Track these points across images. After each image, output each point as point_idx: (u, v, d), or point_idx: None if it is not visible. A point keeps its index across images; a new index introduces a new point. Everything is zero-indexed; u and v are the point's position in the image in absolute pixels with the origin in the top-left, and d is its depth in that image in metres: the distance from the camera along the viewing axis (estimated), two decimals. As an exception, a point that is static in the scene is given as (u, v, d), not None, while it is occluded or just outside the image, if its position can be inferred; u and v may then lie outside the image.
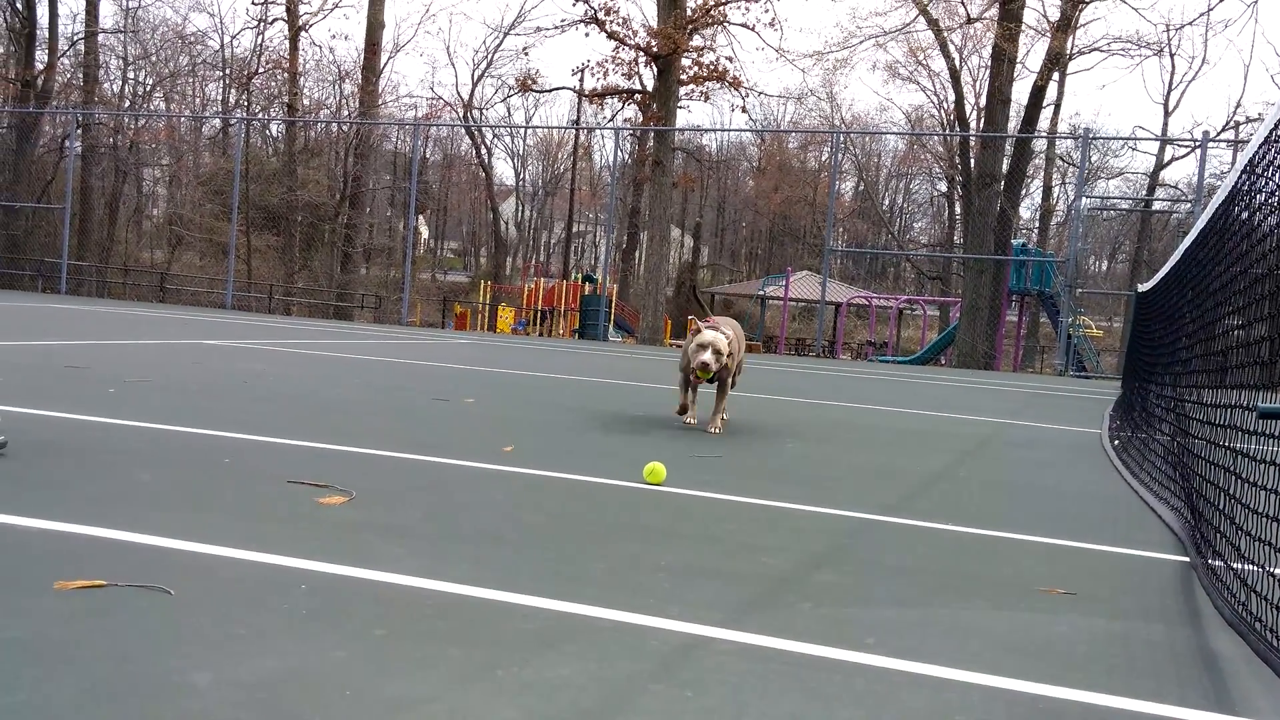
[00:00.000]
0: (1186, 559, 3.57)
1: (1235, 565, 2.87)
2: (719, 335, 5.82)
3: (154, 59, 42.77)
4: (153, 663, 1.93)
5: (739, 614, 2.51)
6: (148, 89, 44.44)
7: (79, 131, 33.70)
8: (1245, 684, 2.31)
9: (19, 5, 35.71)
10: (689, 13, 28.42)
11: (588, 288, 28.73)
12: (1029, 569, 3.29)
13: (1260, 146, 3.93)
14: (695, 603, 2.60)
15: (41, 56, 36.10)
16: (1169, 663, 2.42)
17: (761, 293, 42.08)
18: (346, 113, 43.65)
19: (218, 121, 44.41)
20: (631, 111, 35.74)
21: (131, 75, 44.27)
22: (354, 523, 3.19)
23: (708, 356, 5.71)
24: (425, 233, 65.76)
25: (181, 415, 5.25)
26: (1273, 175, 3.62)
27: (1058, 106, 40.45)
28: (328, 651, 2.06)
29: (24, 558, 2.56)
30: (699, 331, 5.85)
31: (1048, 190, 45.11)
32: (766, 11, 55.46)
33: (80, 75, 38.22)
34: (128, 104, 42.95)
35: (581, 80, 38.45)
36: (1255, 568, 2.68)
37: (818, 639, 2.38)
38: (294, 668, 1.96)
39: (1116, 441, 7.27)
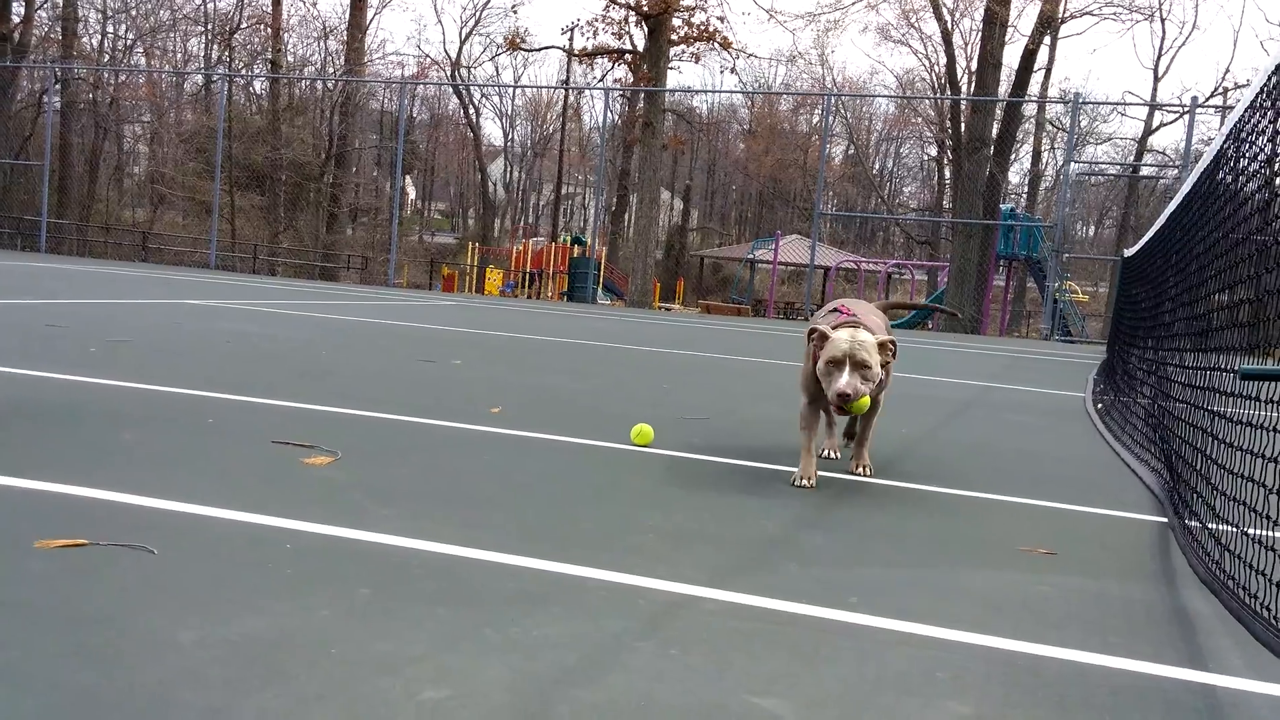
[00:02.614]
0: (1165, 520, 3.61)
1: (1211, 525, 2.90)
2: (859, 341, 3.52)
3: (134, 12, 42.18)
4: (136, 621, 1.93)
5: (726, 574, 2.53)
6: (128, 44, 43.88)
7: (57, 87, 33.28)
8: (1218, 642, 2.34)
9: (-5, -43, 35.11)
10: (679, -29, 28.13)
11: (576, 250, 28.63)
12: (1011, 530, 3.32)
13: (1245, 112, 3.92)
14: (682, 563, 2.62)
15: (18, 9, 35.54)
16: (1145, 621, 2.45)
17: (751, 256, 42.01)
18: (332, 70, 43.20)
19: (200, 78, 43.91)
20: (622, 72, 35.49)
21: (111, 29, 43.70)
22: (340, 483, 3.20)
23: (847, 382, 3.44)
24: (412, 193, 65.34)
25: (164, 375, 5.23)
26: (1258, 141, 3.62)
27: (1048, 71, 40.33)
28: (313, 611, 2.06)
29: (4, 516, 2.56)
30: (826, 339, 3.59)
31: (1037, 155, 45.06)
32: (757, -29, 54.91)
33: (58, 29, 37.68)
34: (107, 59, 42.40)
35: (571, 39, 38.12)
36: (1230, 528, 2.71)
37: (804, 599, 2.40)
38: (279, 627, 1.96)
39: (1100, 405, 7.32)
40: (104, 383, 4.85)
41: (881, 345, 3.59)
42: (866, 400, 3.55)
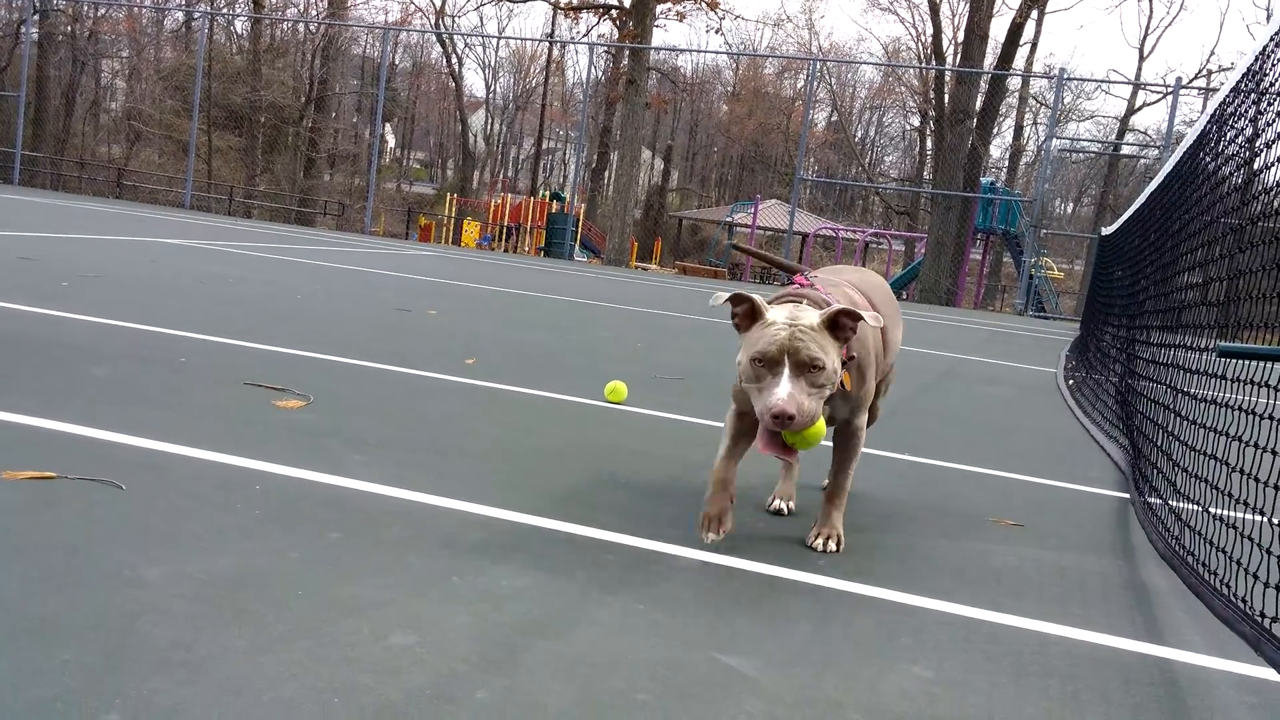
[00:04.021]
0: (1128, 495, 3.66)
1: (1172, 502, 2.94)
2: (803, 327, 2.27)
3: (115, -55, 41.24)
4: (102, 555, 1.92)
5: (695, 533, 2.54)
6: (108, -24, 42.92)
7: (35, 17, 32.57)
8: (1177, 617, 2.38)
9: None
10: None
11: (555, 206, 28.45)
12: (981, 500, 3.35)
13: (1229, 94, 3.94)
14: (654, 520, 2.63)
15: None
16: (1105, 594, 2.48)
17: (729, 219, 41.92)
18: (315, 13, 42.49)
19: (180, 14, 43.06)
20: (607, 28, 35.13)
21: (91, -39, 42.69)
22: (312, 427, 3.18)
23: (787, 396, 2.19)
24: (391, 141, 64.64)
25: (137, 312, 5.17)
26: (1239, 124, 3.64)
27: (1034, 45, 40.24)
28: (282, 552, 2.06)
29: (-26, 447, 2.53)
30: (755, 316, 2.37)
31: (1019, 130, 45.08)
32: (748, -69, 54.36)
33: (37, -42, 36.78)
34: (87, -9, 41.48)
35: (557, -8, 37.60)
36: (1191, 505, 2.75)
37: (773, 560, 2.41)
38: (247, 566, 1.96)
39: (1071, 381, 7.38)
40: (76, 317, 4.79)
41: (834, 320, 2.30)
42: (821, 428, 2.28)
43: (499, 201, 30.68)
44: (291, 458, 2.77)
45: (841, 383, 2.43)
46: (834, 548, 2.54)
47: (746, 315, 2.37)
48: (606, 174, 44.73)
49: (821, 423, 2.29)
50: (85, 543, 1.98)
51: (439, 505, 2.52)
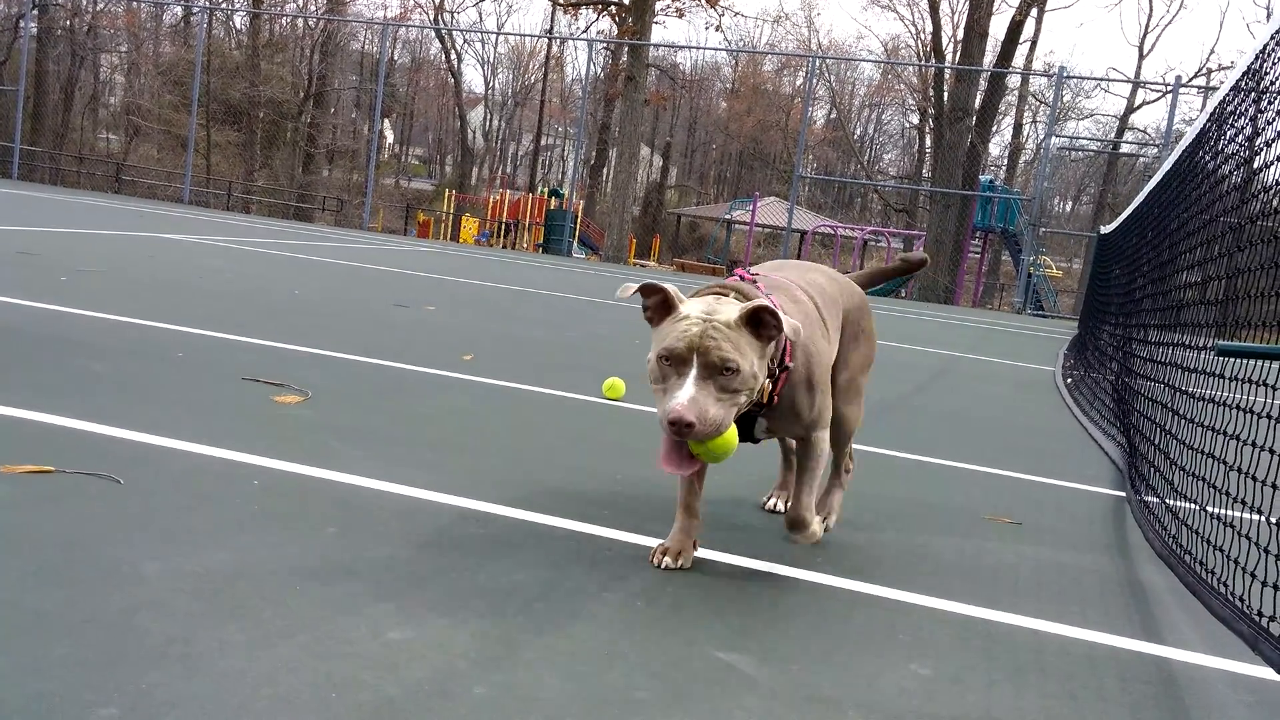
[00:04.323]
0: (1125, 494, 3.66)
1: (1169, 500, 2.95)
2: (718, 323, 2.01)
3: (114, -61, 41.15)
4: (101, 549, 1.92)
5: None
6: (107, -29, 42.83)
7: (34, 11, 32.51)
8: (1174, 615, 2.38)
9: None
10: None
11: (553, 202, 28.43)
12: (978, 498, 3.35)
13: (1229, 93, 3.94)
14: (650, 516, 2.63)
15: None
16: (1102, 592, 2.48)
17: (728, 216, 41.90)
18: (314, 8, 42.43)
19: (179, 9, 43.00)
20: (606, 24, 35.10)
21: (90, -45, 42.60)
22: (310, 422, 3.18)
23: (688, 401, 1.94)
24: (390, 137, 64.54)
25: (135, 307, 5.17)
26: (1239, 123, 3.64)
27: (1034, 43, 40.24)
28: (280, 548, 2.06)
29: (-29, 442, 2.53)
30: (667, 308, 2.12)
31: (1018, 128, 45.08)
32: (748, -73, 54.29)
33: (36, -48, 36.71)
34: (85, -15, 41.39)
35: (556, -12, 37.54)
36: (1188, 503, 2.75)
37: (769, 557, 2.41)
38: (245, 562, 1.96)
39: (1069, 379, 7.39)
40: (74, 312, 4.79)
41: (754, 316, 2.03)
42: (731, 439, 2.04)
43: (497, 198, 30.66)
44: (290, 453, 2.77)
45: (791, 400, 2.22)
46: (818, 535, 2.38)
47: (659, 308, 2.11)
48: (605, 170, 44.71)
49: (732, 433, 2.05)
50: (83, 537, 1.98)
51: (437, 500, 2.52)
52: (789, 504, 2.44)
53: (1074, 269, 40.67)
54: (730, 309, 2.05)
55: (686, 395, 1.93)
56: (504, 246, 27.66)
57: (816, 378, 2.29)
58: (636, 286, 2.11)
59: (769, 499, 2.87)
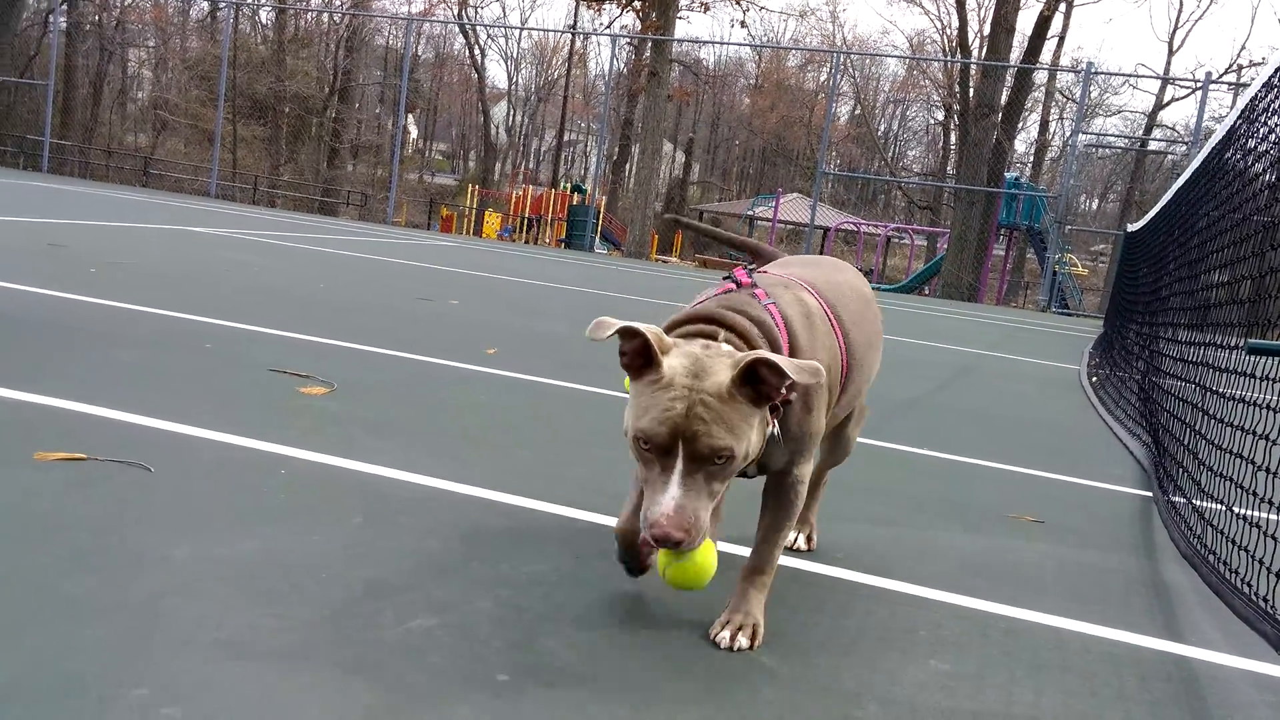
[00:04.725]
0: (1150, 494, 3.64)
1: (1195, 501, 2.93)
2: (707, 390, 1.64)
3: (142, -65, 41.46)
4: (132, 535, 1.95)
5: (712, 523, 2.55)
6: (135, -34, 43.16)
7: (63, 7, 32.81)
8: (1197, 615, 2.38)
9: None
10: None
11: (576, 198, 28.47)
12: (1001, 496, 3.35)
13: (1260, 89, 3.90)
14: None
15: (26, -75, 34.91)
16: (1125, 591, 2.48)
17: (750, 213, 41.83)
18: (339, 3, 42.62)
19: (206, 4, 43.30)
20: (629, 19, 35.08)
21: (118, -49, 42.94)
22: (335, 414, 3.21)
23: (672, 511, 1.60)
24: (414, 132, 64.78)
25: (163, 299, 5.22)
26: (1270, 120, 3.61)
27: (1062, 39, 39.94)
28: (305, 535, 2.08)
29: (6, 429, 2.57)
30: (658, 372, 1.68)
31: (1045, 124, 44.77)
32: (773, -77, 54.12)
33: (65, -53, 37.03)
34: (114, -20, 41.73)
35: (581, -17, 37.58)
36: (1215, 504, 2.74)
37: (791, 552, 2.42)
38: (272, 549, 1.98)
39: (1094, 378, 7.35)
40: (103, 303, 4.84)
41: (750, 374, 1.66)
42: (709, 560, 1.83)
43: (520, 193, 30.72)
44: (316, 443, 2.80)
45: (783, 430, 1.85)
46: (745, 643, 1.80)
47: (638, 354, 1.71)
48: (628, 166, 44.72)
49: (711, 556, 1.82)
50: (114, 523, 2.01)
51: (460, 492, 2.54)
52: (755, 547, 1.95)
53: (1099, 267, 40.39)
54: (721, 367, 1.65)
55: (672, 501, 1.59)
56: (526, 242, 27.72)
57: (814, 400, 1.89)
58: (615, 329, 1.69)
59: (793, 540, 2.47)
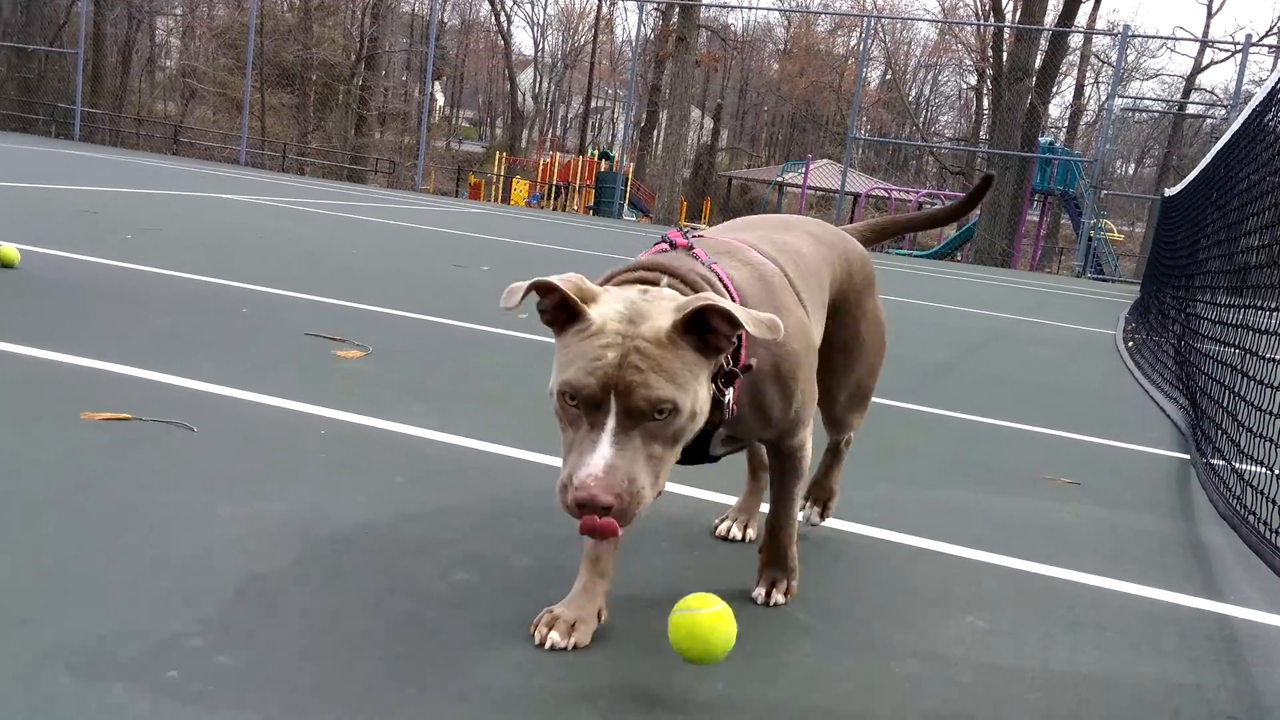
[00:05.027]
0: (1187, 456, 3.62)
1: (1234, 463, 2.91)
2: (645, 335, 1.40)
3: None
4: (177, 493, 1.99)
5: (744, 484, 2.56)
6: (162, -67, 43.18)
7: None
8: (1234, 573, 2.37)
9: None
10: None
11: (604, 165, 28.39)
12: (1036, 459, 3.34)
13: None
14: (706, 472, 2.65)
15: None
16: (1162, 551, 2.47)
17: (779, 179, 41.57)
18: (365, -30, 42.47)
19: (233, -28, 43.27)
20: (658, -16, 34.74)
21: (146, -83, 42.95)
22: (371, 376, 3.24)
23: (601, 472, 1.35)
24: (441, 100, 64.71)
25: (197, 264, 5.27)
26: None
27: (1097, 1, 39.29)
28: (348, 494, 2.11)
29: (53, 389, 2.61)
30: (584, 319, 1.46)
31: (1080, 89, 44.12)
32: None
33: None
34: (142, -52, 41.79)
35: (608, -52, 37.26)
36: (1257, 467, 2.72)
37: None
38: (316, 506, 2.01)
39: (1130, 343, 7.28)
40: (139, 268, 4.89)
41: (697, 319, 1.42)
42: (728, 635, 1.51)
43: (548, 160, 30.67)
44: (353, 405, 2.83)
45: (757, 402, 1.62)
46: (781, 599, 1.81)
47: (559, 308, 1.49)
48: (655, 133, 44.50)
49: (729, 627, 1.49)
50: (160, 481, 2.04)
51: (497, 453, 2.56)
52: (769, 513, 1.83)
53: (1136, 233, 39.88)
54: (661, 311, 1.42)
55: (601, 460, 1.33)
56: (555, 209, 27.70)
57: (789, 367, 1.64)
58: (524, 288, 1.49)
59: (723, 522, 2.18)
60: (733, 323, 1.40)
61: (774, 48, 59.28)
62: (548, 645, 1.52)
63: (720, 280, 1.59)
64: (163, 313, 3.86)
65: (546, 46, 63.28)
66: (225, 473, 2.14)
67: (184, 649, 1.39)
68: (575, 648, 1.54)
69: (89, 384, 2.71)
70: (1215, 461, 3.17)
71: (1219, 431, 3.25)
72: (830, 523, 2.33)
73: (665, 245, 1.68)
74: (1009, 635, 1.82)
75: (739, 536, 2.15)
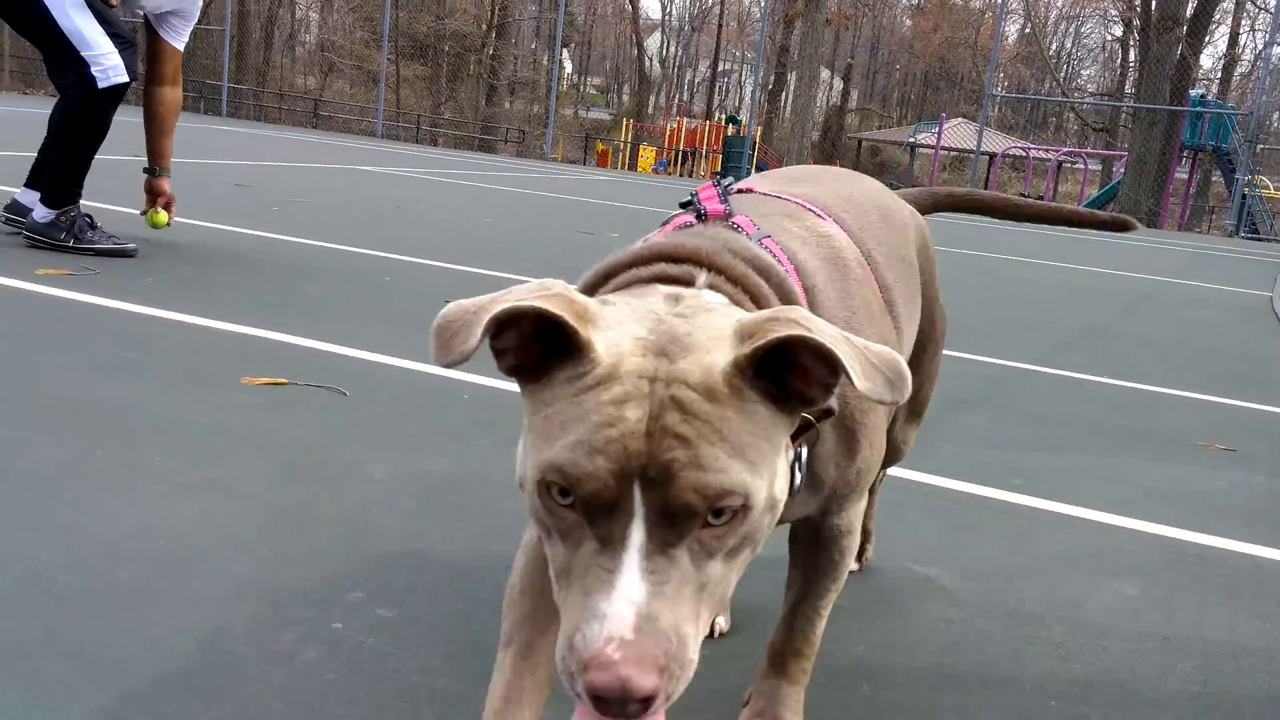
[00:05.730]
0: (1356, 426, 3.43)
1: None
2: (685, 392, 0.78)
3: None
4: (333, 453, 2.08)
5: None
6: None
7: (236, -46, 34.10)
8: None
9: None
10: None
11: (731, 129, 28.18)
12: (1187, 424, 3.21)
13: None
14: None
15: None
16: (1329, 523, 2.36)
17: (912, 140, 40.56)
18: (495, -61, 42.93)
19: (368, -53, 44.29)
20: (786, -58, 34.16)
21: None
22: (509, 342, 3.31)
23: (613, 631, 0.72)
24: (569, 67, 65.16)
25: (341, 234, 5.46)
26: None
27: (1256, -58, 36.94)
28: (491, 456, 2.18)
29: (215, 354, 2.76)
30: (591, 354, 0.82)
31: (1234, 38, 41.65)
32: None
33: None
34: (281, -73, 43.15)
35: (735, -93, 36.75)
36: None
37: (959, 476, 2.39)
38: (461, 467, 2.09)
39: (1287, 306, 6.91)
40: (287, 239, 5.10)
41: (773, 355, 0.81)
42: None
43: (675, 126, 30.59)
44: (495, 370, 2.90)
45: (817, 462, 1.05)
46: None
47: (531, 344, 0.91)
48: (784, 95, 43.89)
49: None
50: (318, 441, 2.15)
51: (634, 416, 2.60)
52: (783, 619, 1.26)
53: (1294, 189, 37.59)
54: (711, 335, 0.84)
55: (629, 608, 0.75)
56: (682, 175, 27.66)
57: (859, 407, 1.06)
58: (476, 324, 0.89)
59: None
60: (832, 366, 0.82)
61: (907, 3, 57.66)
62: None
63: (783, 267, 1.04)
64: (312, 281, 4.02)
65: (674, 9, 62.97)
66: (377, 434, 2.24)
67: (346, 603, 1.46)
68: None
69: (247, 349, 2.86)
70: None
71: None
72: (968, 487, 2.30)
73: (692, 219, 1.16)
74: (1162, 603, 1.77)
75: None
